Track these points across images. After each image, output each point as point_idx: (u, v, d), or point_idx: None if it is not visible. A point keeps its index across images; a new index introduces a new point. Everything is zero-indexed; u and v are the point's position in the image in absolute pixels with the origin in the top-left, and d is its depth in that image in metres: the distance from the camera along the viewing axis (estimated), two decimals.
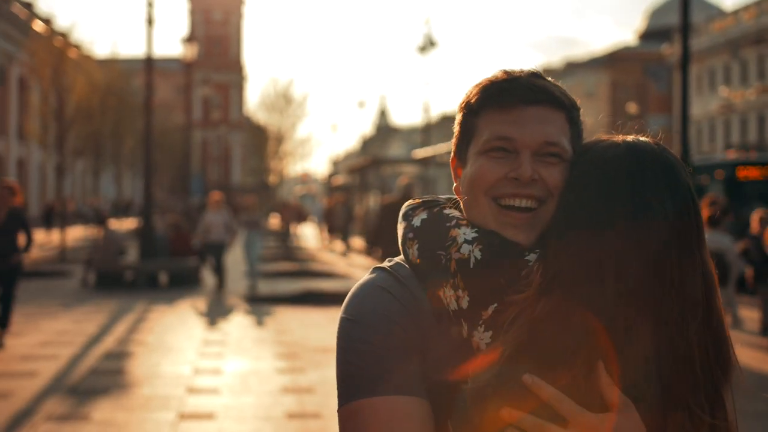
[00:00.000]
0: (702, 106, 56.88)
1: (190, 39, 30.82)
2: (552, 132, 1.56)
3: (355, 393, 1.51)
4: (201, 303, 16.19)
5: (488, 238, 1.52)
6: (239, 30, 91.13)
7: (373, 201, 32.33)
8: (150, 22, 20.37)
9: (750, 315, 14.56)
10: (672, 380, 1.40)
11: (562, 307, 1.41)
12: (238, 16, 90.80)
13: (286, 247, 33.06)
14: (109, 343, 11.76)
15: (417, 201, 1.67)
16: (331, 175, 63.30)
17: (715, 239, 11.46)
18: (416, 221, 1.60)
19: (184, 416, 7.90)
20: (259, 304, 16.31)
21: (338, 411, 1.55)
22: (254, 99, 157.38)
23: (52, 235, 28.64)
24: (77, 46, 34.61)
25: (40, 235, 37.17)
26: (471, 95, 1.64)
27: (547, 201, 1.54)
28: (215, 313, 14.95)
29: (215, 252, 18.32)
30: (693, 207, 1.49)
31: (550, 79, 1.63)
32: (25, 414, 7.89)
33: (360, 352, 1.52)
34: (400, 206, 1.70)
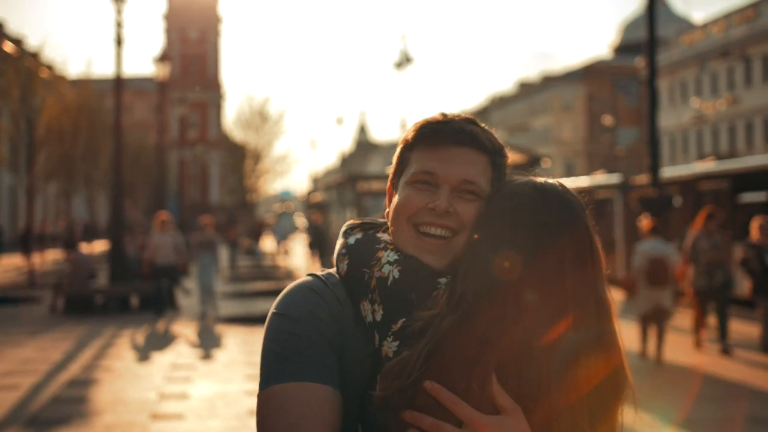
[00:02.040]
0: (674, 118, 57.33)
1: (163, 58, 30.48)
2: (472, 172, 1.75)
3: (273, 377, 1.64)
4: (173, 326, 15.92)
5: (407, 261, 1.70)
6: (216, 48, 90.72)
7: (349, 217, 32.12)
8: (119, 42, 20.15)
9: (747, 330, 14.49)
10: (560, 391, 1.54)
11: (465, 322, 1.57)
12: (215, 34, 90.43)
13: (260, 266, 32.75)
14: (73, 370, 11.51)
15: (358, 222, 1.87)
16: (309, 193, 63.17)
17: (657, 246, 11.71)
18: (351, 240, 1.79)
19: None
20: (234, 325, 16.08)
21: (257, 396, 1.68)
22: (231, 117, 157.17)
23: (32, 260, 28.16)
24: (49, 66, 34.20)
25: (16, 260, 36.65)
26: (410, 132, 1.83)
27: (460, 232, 1.73)
28: (187, 336, 14.71)
29: (163, 276, 17.16)
30: (588, 240, 1.67)
31: (483, 125, 1.83)
32: None
33: (282, 341, 1.66)
34: None
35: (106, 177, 50.78)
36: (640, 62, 60.85)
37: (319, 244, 30.96)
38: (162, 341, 14.15)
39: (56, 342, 14.12)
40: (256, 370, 11.06)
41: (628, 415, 1.66)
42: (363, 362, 1.69)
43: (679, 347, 13.01)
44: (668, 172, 21.85)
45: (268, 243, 50.09)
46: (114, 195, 21.07)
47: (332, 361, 1.66)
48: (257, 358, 12.02)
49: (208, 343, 13.94)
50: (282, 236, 43.27)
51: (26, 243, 30.61)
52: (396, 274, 1.68)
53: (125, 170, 31.25)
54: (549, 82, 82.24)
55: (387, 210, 1.85)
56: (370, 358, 1.69)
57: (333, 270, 1.81)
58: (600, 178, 26.43)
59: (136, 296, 19.02)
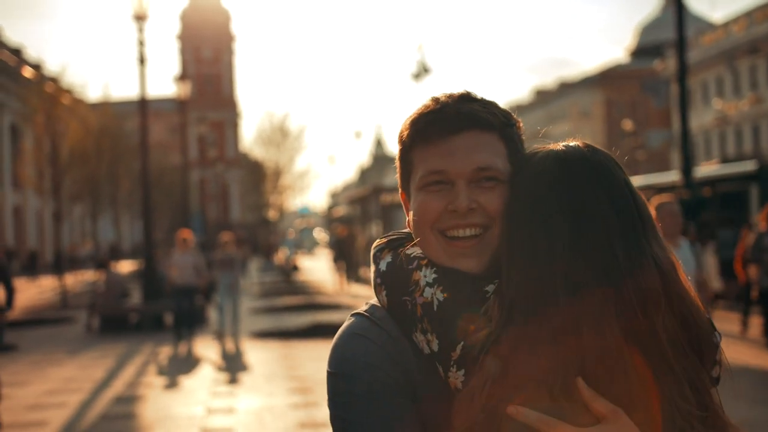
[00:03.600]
0: (696, 120, 56.96)
1: (182, 77, 30.67)
2: (483, 157, 1.56)
3: None
4: (209, 342, 15.90)
5: (447, 278, 1.52)
6: (231, 67, 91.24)
7: (375, 231, 32.08)
8: (142, 61, 20.24)
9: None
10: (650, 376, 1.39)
11: (526, 333, 1.41)
12: (230, 53, 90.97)
13: (288, 282, 32.75)
14: (118, 387, 11.50)
15: (383, 241, 1.67)
16: (330, 207, 63.27)
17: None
18: (383, 265, 1.60)
19: None
20: (269, 339, 16.04)
21: None
22: (250, 135, 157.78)
23: (64, 281, 28.37)
24: (69, 90, 34.49)
25: (49, 282, 36.89)
26: (403, 130, 1.65)
27: (491, 226, 1.55)
28: (224, 352, 14.68)
29: (183, 298, 16.01)
30: (633, 200, 1.50)
31: (480, 97, 1.63)
32: None
33: (345, 405, 1.51)
34: None
35: (130, 198, 51.17)
36: (659, 65, 60.63)
37: (345, 257, 30.89)
38: (198, 358, 14.11)
39: (96, 360, 14.13)
40: (298, 383, 11.10)
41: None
42: (435, 397, 1.51)
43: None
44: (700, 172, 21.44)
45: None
46: (144, 214, 21.10)
47: (405, 408, 1.49)
48: (298, 372, 12.03)
49: (246, 359, 13.90)
50: (292, 251, 43.02)
51: (58, 265, 30.85)
52: (440, 296, 1.50)
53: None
54: (565, 88, 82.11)
55: (407, 219, 1.66)
56: (442, 391, 1.51)
57: (375, 300, 1.62)
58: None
59: (170, 314, 19.01)
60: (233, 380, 11.76)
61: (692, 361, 1.42)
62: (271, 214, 58.48)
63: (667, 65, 56.15)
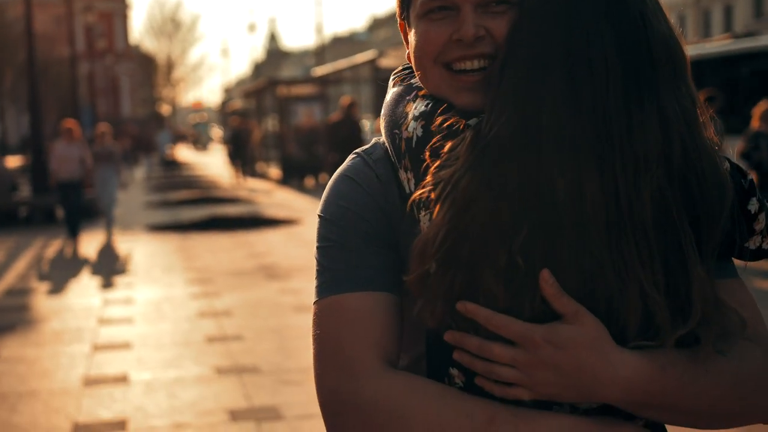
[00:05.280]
0: None
1: None
2: None
3: (318, 291, 1.42)
4: (103, 235, 15.61)
5: (434, 109, 1.36)
6: None
7: (271, 125, 31.64)
8: None
9: None
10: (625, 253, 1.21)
11: (493, 181, 1.23)
12: None
13: (180, 175, 32.22)
14: (9, 280, 11.24)
15: (399, 69, 1.53)
16: (225, 102, 62.05)
17: None
18: (388, 95, 1.47)
19: (98, 347, 7.59)
20: (165, 233, 15.86)
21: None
22: (140, 26, 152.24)
23: None
24: None
25: None
26: None
27: (500, 56, 1.35)
28: (120, 244, 14.45)
29: (70, 192, 14.57)
30: (644, 35, 1.25)
31: None
32: None
33: (324, 249, 1.43)
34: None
35: (15, 91, 49.07)
36: None
37: (240, 151, 30.45)
38: (93, 252, 13.87)
39: None
40: (197, 274, 11.07)
41: None
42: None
43: None
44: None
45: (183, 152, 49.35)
46: (31, 107, 20.28)
47: (381, 259, 1.39)
48: (196, 263, 11.98)
49: (144, 251, 13.73)
50: (165, 145, 41.98)
51: None
52: (420, 130, 1.35)
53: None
54: None
55: (407, 52, 1.49)
56: None
57: (382, 138, 1.48)
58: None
59: (61, 208, 18.51)
60: (130, 272, 11.63)
61: (676, 234, 1.23)
62: (164, 108, 57.00)
63: None
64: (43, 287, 10.69)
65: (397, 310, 1.39)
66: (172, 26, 51.76)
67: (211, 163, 45.95)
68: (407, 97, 1.42)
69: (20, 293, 10.31)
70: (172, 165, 40.71)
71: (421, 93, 1.42)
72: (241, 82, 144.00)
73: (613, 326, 1.23)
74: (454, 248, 1.24)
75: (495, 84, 1.30)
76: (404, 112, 1.40)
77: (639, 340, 1.24)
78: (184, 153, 62.54)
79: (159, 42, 52.97)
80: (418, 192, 1.32)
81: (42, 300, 9.88)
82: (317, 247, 1.44)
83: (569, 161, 1.21)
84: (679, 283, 1.23)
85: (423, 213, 1.31)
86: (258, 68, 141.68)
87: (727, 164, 1.34)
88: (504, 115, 1.25)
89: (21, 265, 12.55)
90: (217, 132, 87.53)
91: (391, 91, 1.48)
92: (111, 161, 15.38)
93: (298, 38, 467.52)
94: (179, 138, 44.98)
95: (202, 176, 34.15)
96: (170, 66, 52.20)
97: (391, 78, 1.53)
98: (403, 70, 1.52)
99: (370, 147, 1.49)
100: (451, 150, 1.29)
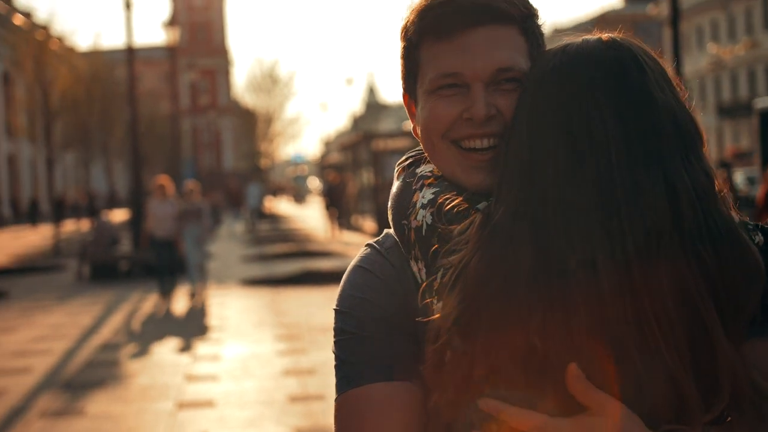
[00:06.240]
0: (691, 65, 56.55)
1: (172, 23, 30.36)
2: (504, 56, 1.35)
3: (337, 387, 1.39)
4: (198, 290, 15.89)
5: (443, 195, 1.34)
6: (222, 14, 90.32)
7: (366, 178, 31.93)
8: (128, 5, 19.96)
9: None
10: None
11: (503, 261, 1.18)
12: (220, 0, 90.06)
13: (280, 229, 32.70)
14: (104, 334, 11.51)
15: (403, 159, 1.50)
16: (323, 155, 63.06)
17: None
18: (394, 186, 1.45)
19: (183, 405, 7.66)
20: (258, 287, 16.05)
21: None
22: (241, 82, 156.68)
23: (60, 229, 28.43)
24: (59, 38, 34.18)
25: (50, 229, 37.02)
26: (408, 23, 1.42)
27: (506, 133, 1.34)
28: (213, 299, 14.68)
29: (163, 250, 14.53)
30: (646, 106, 1.21)
31: None
32: (18, 411, 7.64)
33: (341, 343, 1.40)
34: None
35: (123, 146, 51.00)
36: (652, 9, 60.03)
37: (337, 204, 30.82)
38: (185, 307, 14.12)
39: (84, 307, 14.14)
40: (286, 330, 11.12)
41: None
42: None
43: None
44: None
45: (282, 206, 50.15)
46: (133, 163, 20.98)
47: (400, 348, 1.35)
48: (286, 319, 12.05)
49: (234, 306, 13.91)
50: (255, 204, 40.29)
51: (59, 212, 30.92)
52: (428, 218, 1.32)
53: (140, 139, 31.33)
54: (559, 34, 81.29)
55: (412, 126, 1.48)
56: None
57: (391, 230, 1.45)
58: None
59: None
60: (221, 327, 11.77)
61: (697, 310, 1.15)
62: (264, 162, 58.27)
63: (661, 9, 55.59)
64: (135, 342, 10.91)
65: (418, 400, 1.33)
66: (270, 82, 53.02)
67: (308, 215, 46.58)
68: (414, 187, 1.39)
69: (113, 348, 10.54)
70: (268, 218, 41.25)
71: (428, 182, 1.39)
72: (340, 135, 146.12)
73: (642, 409, 1.16)
74: (467, 334, 1.20)
75: (501, 162, 1.29)
76: (412, 202, 1.37)
77: (670, 425, 1.16)
78: (282, 206, 63.61)
79: (258, 98, 54.33)
80: (429, 280, 1.30)
81: (133, 355, 10.07)
82: (334, 342, 1.41)
83: (578, 235, 1.16)
84: (706, 362, 1.15)
85: (435, 301, 1.28)
86: (356, 121, 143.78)
87: (760, 237, 1.26)
88: (510, 192, 1.23)
89: (117, 319, 12.85)
90: (315, 184, 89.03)
91: (397, 182, 1.45)
92: (199, 219, 14.89)
93: (396, 91, 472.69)
94: (277, 191, 45.73)
95: (298, 229, 34.63)
96: (269, 120, 53.40)
97: (395, 168, 1.50)
98: (407, 159, 1.50)
99: (381, 237, 1.47)
100: (459, 234, 1.27)
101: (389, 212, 1.43)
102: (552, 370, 1.15)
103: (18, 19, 51.27)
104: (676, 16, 16.34)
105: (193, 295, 14.67)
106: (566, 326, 1.15)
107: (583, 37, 1.31)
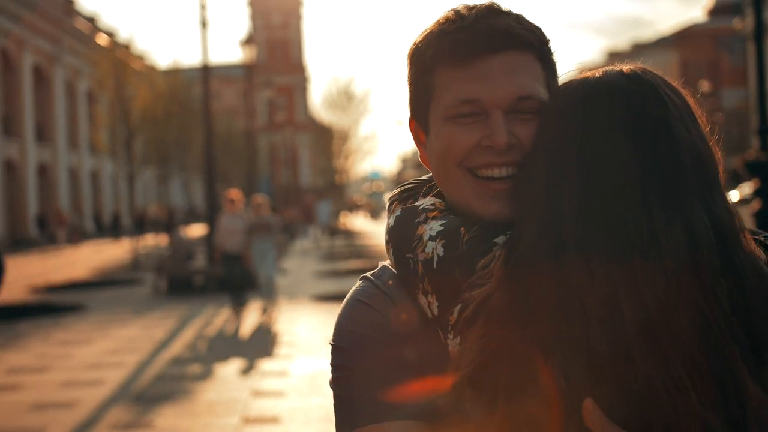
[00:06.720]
0: None
1: (249, 41, 30.81)
2: (524, 83, 1.32)
3: (339, 427, 1.35)
4: (271, 305, 15.99)
5: (453, 227, 1.30)
6: (299, 32, 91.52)
7: None
8: (204, 24, 20.32)
9: None
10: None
11: (525, 298, 1.16)
12: (298, 17, 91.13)
13: (354, 245, 32.84)
14: (176, 348, 11.64)
15: (395, 192, 1.47)
16: (400, 171, 63.17)
17: None
18: (391, 220, 1.41)
19: (248, 420, 7.67)
20: (330, 303, 16.09)
21: None
22: (318, 99, 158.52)
23: (140, 243, 29.12)
24: (140, 57, 35.07)
25: (131, 243, 37.84)
26: (421, 48, 1.39)
27: (524, 165, 1.32)
28: (284, 315, 14.75)
29: (234, 265, 14.65)
30: (664, 141, 1.17)
31: (508, 9, 1.37)
32: (89, 423, 7.76)
33: (339, 380, 1.34)
34: None
35: (200, 162, 51.92)
36: (738, 23, 58.76)
37: None
38: (256, 321, 14.21)
39: (159, 321, 14.35)
40: None
41: None
42: (441, 369, 1.27)
43: None
44: None
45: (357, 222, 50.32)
46: (208, 177, 21.30)
47: (403, 383, 1.30)
48: None
49: (306, 322, 13.95)
50: (325, 221, 40.18)
51: (140, 227, 31.63)
52: (440, 250, 1.28)
53: (217, 155, 31.84)
54: (640, 50, 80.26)
55: (420, 153, 1.45)
56: (446, 362, 1.28)
57: (388, 261, 1.42)
58: None
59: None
60: (291, 343, 11.80)
61: (722, 352, 1.09)
62: (340, 178, 58.61)
63: (747, 23, 54.36)
64: (204, 357, 11.00)
65: None
66: (345, 99, 53.43)
67: (383, 232, 46.63)
68: (416, 220, 1.35)
69: (184, 362, 10.64)
70: (341, 234, 41.45)
71: (432, 215, 1.35)
72: (416, 152, 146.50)
73: None
74: (490, 371, 1.16)
75: (521, 194, 1.26)
76: (417, 235, 1.33)
77: None
78: (357, 222, 63.85)
79: (334, 114, 54.78)
80: (447, 314, 1.25)
81: (202, 370, 10.14)
82: (332, 379, 1.36)
83: (596, 271, 1.12)
84: (733, 403, 1.09)
85: (452, 336, 1.25)
86: None
87: None
88: (530, 227, 1.20)
89: (189, 333, 13.00)
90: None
91: (395, 215, 1.40)
92: (269, 233, 14.55)
93: None
94: (353, 207, 45.91)
95: (372, 245, 34.72)
96: (344, 138, 53.81)
97: (389, 202, 1.46)
98: (402, 193, 1.46)
99: (378, 270, 1.42)
100: (483, 268, 1.23)
101: (388, 246, 1.38)
102: (578, 412, 1.10)
103: (101, 39, 52.89)
104: (760, 30, 15.91)
105: (264, 311, 14.64)
106: (590, 364, 1.10)
107: (605, 69, 1.27)
